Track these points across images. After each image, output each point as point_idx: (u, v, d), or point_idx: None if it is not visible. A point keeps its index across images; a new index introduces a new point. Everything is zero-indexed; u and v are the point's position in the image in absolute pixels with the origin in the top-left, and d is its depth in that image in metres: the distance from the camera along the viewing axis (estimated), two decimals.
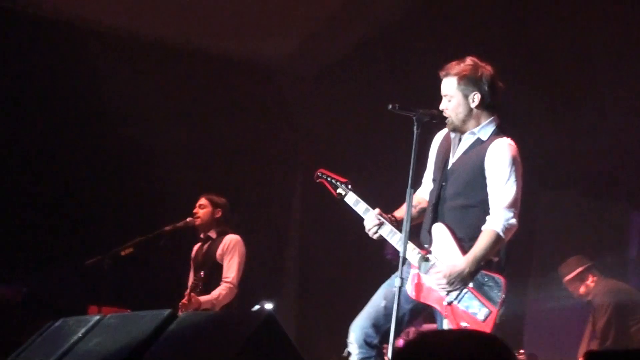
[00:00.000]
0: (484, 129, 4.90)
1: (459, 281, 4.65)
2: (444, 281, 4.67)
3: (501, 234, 4.65)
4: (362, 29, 9.41)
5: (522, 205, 4.80)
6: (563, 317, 8.17)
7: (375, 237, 4.96)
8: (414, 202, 4.96)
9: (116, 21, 9.34)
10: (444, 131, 5.10)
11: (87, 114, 9.28)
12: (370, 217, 4.98)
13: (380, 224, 4.92)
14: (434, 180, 5.05)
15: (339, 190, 5.16)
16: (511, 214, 4.69)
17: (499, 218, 4.68)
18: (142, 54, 9.56)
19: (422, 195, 5.14)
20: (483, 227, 4.71)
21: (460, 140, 4.98)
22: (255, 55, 9.96)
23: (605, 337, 7.08)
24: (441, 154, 5.06)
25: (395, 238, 4.86)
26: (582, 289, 7.38)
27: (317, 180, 5.33)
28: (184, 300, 7.08)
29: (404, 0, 8.82)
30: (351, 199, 5.09)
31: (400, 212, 5.01)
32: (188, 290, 7.14)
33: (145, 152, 9.51)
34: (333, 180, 5.22)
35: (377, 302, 4.88)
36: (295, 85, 10.15)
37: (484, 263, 4.67)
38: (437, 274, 4.72)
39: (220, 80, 9.89)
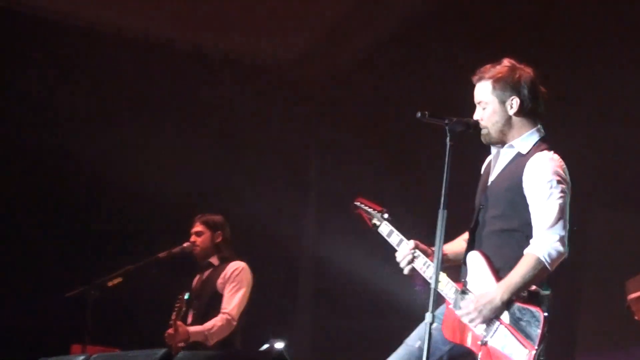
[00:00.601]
0: (525, 140, 4.79)
1: (490, 311, 4.54)
2: (473, 312, 4.57)
3: (544, 260, 4.52)
4: (382, 26, 9.41)
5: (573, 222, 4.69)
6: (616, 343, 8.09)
7: (406, 271, 4.89)
8: (456, 250, 4.95)
9: (110, 20, 9.51)
10: (491, 156, 5.01)
11: (63, 122, 9.36)
12: (403, 249, 4.92)
13: (414, 258, 4.85)
14: (475, 205, 4.95)
15: (374, 221, 5.11)
16: (557, 237, 4.55)
17: (542, 242, 4.55)
18: (142, 54, 9.62)
19: (464, 243, 5.04)
20: (525, 251, 4.57)
21: (499, 155, 4.89)
22: (264, 57, 9.97)
23: None
24: (483, 179, 4.98)
25: (429, 272, 4.75)
26: None
27: (354, 211, 5.27)
28: (170, 330, 6.99)
29: None
30: (385, 229, 5.04)
31: (451, 247, 4.93)
32: (173, 317, 7.03)
33: (138, 167, 9.49)
34: (370, 210, 5.17)
35: (411, 342, 4.81)
36: (308, 90, 10.12)
37: (525, 294, 4.55)
38: (465, 303, 4.62)
39: (225, 83, 9.92)
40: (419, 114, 4.64)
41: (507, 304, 4.55)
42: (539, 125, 4.84)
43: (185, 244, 7.45)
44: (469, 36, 8.57)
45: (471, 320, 4.61)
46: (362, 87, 9.77)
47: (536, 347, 4.46)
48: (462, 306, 4.65)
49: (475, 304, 4.57)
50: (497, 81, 4.78)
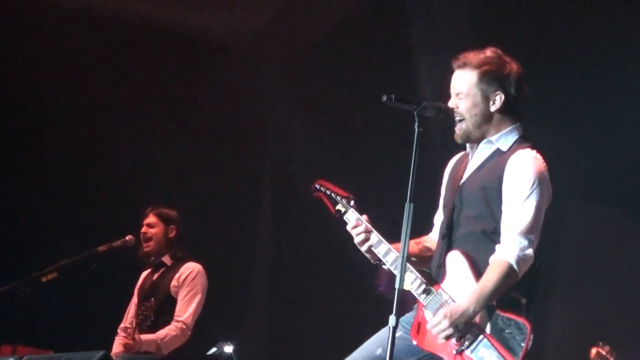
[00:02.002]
0: (504, 137, 4.77)
1: (466, 325, 4.51)
2: (448, 327, 4.50)
3: (514, 266, 4.49)
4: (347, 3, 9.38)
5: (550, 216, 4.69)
6: None
7: (364, 248, 4.82)
8: (424, 246, 4.95)
9: None
10: (459, 156, 4.98)
11: (16, 104, 9.39)
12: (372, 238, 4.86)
13: (370, 231, 4.82)
14: (444, 207, 4.92)
15: (338, 207, 5.01)
16: (526, 243, 4.53)
17: (513, 247, 4.52)
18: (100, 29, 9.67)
19: (434, 237, 5.03)
20: (491, 258, 4.55)
21: (474, 152, 4.85)
22: (213, 32, 10.00)
23: None
24: (453, 178, 4.93)
25: (391, 257, 4.75)
26: None
27: (314, 194, 5.19)
28: (129, 340, 6.87)
29: None
30: (352, 217, 4.94)
31: (413, 247, 4.88)
32: (134, 324, 6.94)
33: (74, 151, 9.42)
34: (333, 194, 5.08)
35: (370, 348, 4.76)
36: (264, 70, 10.06)
37: (495, 303, 4.52)
38: (436, 317, 4.55)
39: (175, 60, 10.00)
40: (384, 98, 4.57)
41: (478, 315, 4.54)
42: (518, 124, 4.81)
43: (127, 237, 7.32)
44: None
45: (446, 336, 4.54)
46: (326, 70, 9.74)
47: None
48: (433, 318, 4.59)
49: (449, 319, 4.51)
50: (485, 73, 4.73)
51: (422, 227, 4.96)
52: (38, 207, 9.29)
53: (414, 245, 4.91)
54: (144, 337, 6.95)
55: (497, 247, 4.56)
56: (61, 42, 9.47)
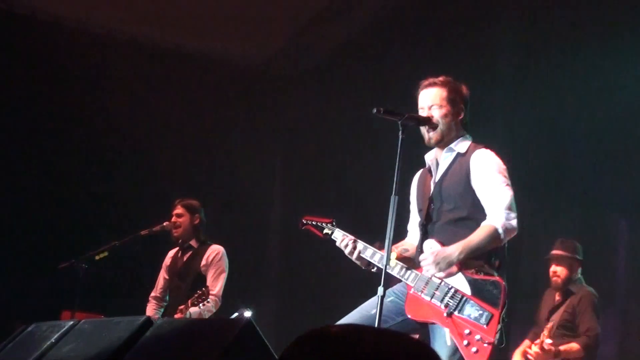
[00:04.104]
0: (461, 143, 4.91)
1: (446, 265, 4.63)
2: (432, 263, 4.65)
3: (500, 231, 4.63)
4: (345, 31, 9.46)
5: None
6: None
7: (354, 256, 4.89)
8: (402, 248, 4.99)
9: (91, 18, 9.48)
10: (421, 171, 5.12)
11: (60, 113, 9.34)
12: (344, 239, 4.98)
13: (356, 240, 4.90)
14: (419, 210, 5.02)
15: (325, 231, 5.12)
16: (513, 215, 4.68)
17: (501, 216, 4.66)
18: (120, 52, 9.61)
19: (411, 242, 5.09)
20: (483, 223, 4.68)
21: (438, 162, 4.97)
22: (235, 56, 10.01)
23: (590, 329, 7.06)
24: (422, 186, 5.06)
25: (377, 256, 4.83)
26: (567, 272, 7.22)
27: (303, 228, 5.29)
28: (179, 315, 6.90)
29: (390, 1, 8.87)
30: (338, 235, 5.04)
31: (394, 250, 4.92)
32: (188, 302, 6.82)
33: (120, 155, 9.52)
34: (318, 224, 5.20)
35: (366, 309, 4.80)
36: (276, 87, 10.17)
37: (474, 269, 4.63)
38: (425, 255, 4.70)
39: (199, 80, 9.96)
40: (374, 110, 4.69)
41: (461, 261, 4.62)
42: (467, 133, 4.98)
43: (165, 223, 7.43)
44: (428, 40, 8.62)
45: (427, 270, 4.68)
46: (329, 87, 9.79)
47: (499, 310, 4.54)
48: (423, 259, 4.71)
49: (434, 256, 4.65)
50: (452, 90, 4.89)
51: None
52: (94, 200, 9.35)
53: (394, 249, 4.93)
54: (192, 310, 6.97)
55: (487, 217, 4.69)
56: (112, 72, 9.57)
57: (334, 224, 5.12)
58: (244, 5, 9.20)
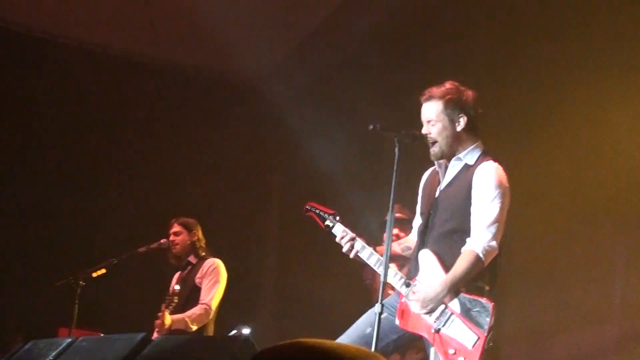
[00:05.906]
0: (470, 153, 4.87)
1: (436, 304, 4.64)
2: (422, 304, 4.66)
3: (481, 255, 4.61)
4: (343, 45, 9.46)
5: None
6: None
7: (351, 255, 4.93)
8: (405, 245, 5.03)
9: (89, 35, 9.49)
10: (431, 170, 5.09)
11: (57, 130, 9.36)
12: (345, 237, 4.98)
13: (354, 239, 4.92)
14: (421, 214, 5.03)
15: (327, 223, 5.11)
16: (491, 235, 4.65)
17: (478, 239, 4.65)
18: (116, 69, 9.63)
19: (414, 239, 5.10)
20: (462, 249, 4.66)
21: (446, 169, 4.94)
22: (233, 71, 10.03)
23: None
24: (428, 188, 5.05)
25: (373, 259, 4.85)
26: None
27: (306, 214, 5.27)
28: (158, 321, 6.98)
29: (389, 14, 8.86)
30: (338, 230, 5.04)
31: (395, 247, 5.00)
32: (163, 307, 7.04)
33: (118, 171, 9.51)
34: (321, 213, 5.17)
35: (361, 327, 4.82)
36: (272, 103, 10.17)
37: (464, 288, 4.64)
38: (413, 294, 4.71)
39: (195, 96, 9.98)
40: (370, 127, 4.72)
41: (452, 295, 4.62)
42: (479, 141, 4.93)
43: (163, 240, 7.44)
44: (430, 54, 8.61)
45: (420, 310, 4.70)
46: (326, 103, 9.79)
47: (486, 334, 4.54)
48: (412, 298, 4.73)
49: (422, 301, 4.67)
50: (448, 101, 4.84)
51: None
52: (91, 218, 9.32)
53: (396, 246, 5.06)
54: (174, 316, 7.00)
55: (467, 239, 4.67)
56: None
57: (337, 217, 5.09)
58: (240, 21, 9.21)
